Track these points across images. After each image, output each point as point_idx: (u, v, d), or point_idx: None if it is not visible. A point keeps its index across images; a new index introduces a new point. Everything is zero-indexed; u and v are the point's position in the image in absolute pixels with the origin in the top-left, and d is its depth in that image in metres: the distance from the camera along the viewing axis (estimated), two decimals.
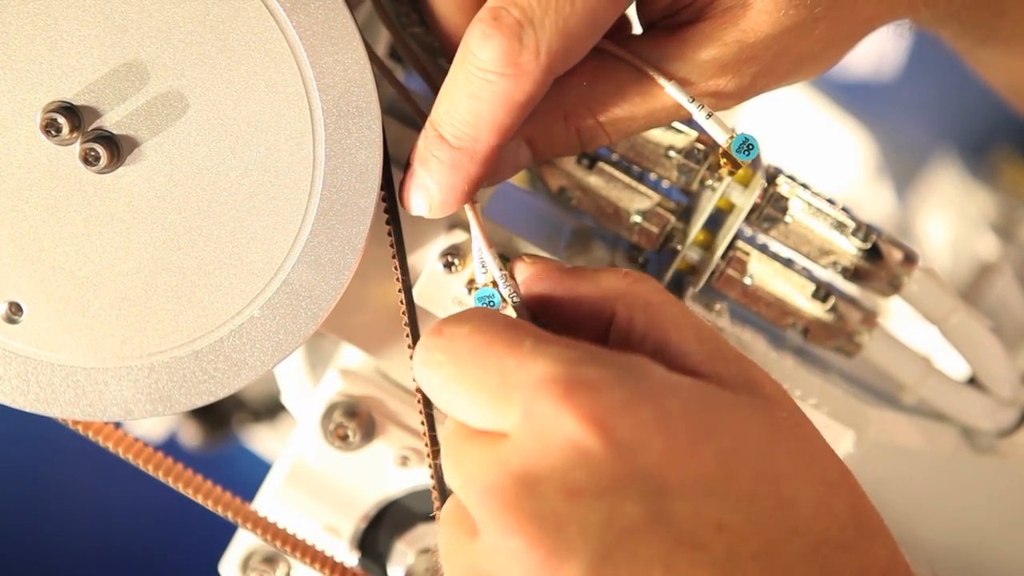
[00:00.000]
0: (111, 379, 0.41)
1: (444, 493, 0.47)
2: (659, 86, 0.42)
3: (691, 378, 0.35)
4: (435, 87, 0.44)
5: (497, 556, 0.33)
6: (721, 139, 0.41)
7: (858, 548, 0.34)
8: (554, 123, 0.42)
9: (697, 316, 0.38)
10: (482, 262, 0.41)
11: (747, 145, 0.41)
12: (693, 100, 0.41)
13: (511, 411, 0.34)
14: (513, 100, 0.38)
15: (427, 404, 0.46)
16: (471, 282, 0.45)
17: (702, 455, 0.33)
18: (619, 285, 0.38)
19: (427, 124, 0.40)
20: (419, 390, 0.45)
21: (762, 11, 0.40)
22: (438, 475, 0.46)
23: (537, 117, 0.41)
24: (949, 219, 1.09)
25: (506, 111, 0.38)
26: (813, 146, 1.23)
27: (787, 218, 0.47)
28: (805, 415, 0.37)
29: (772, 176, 0.47)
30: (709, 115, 0.41)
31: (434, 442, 0.46)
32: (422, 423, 0.46)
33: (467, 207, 0.41)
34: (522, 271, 0.41)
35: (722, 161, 0.42)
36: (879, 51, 1.44)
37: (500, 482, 0.33)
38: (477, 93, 0.38)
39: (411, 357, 0.45)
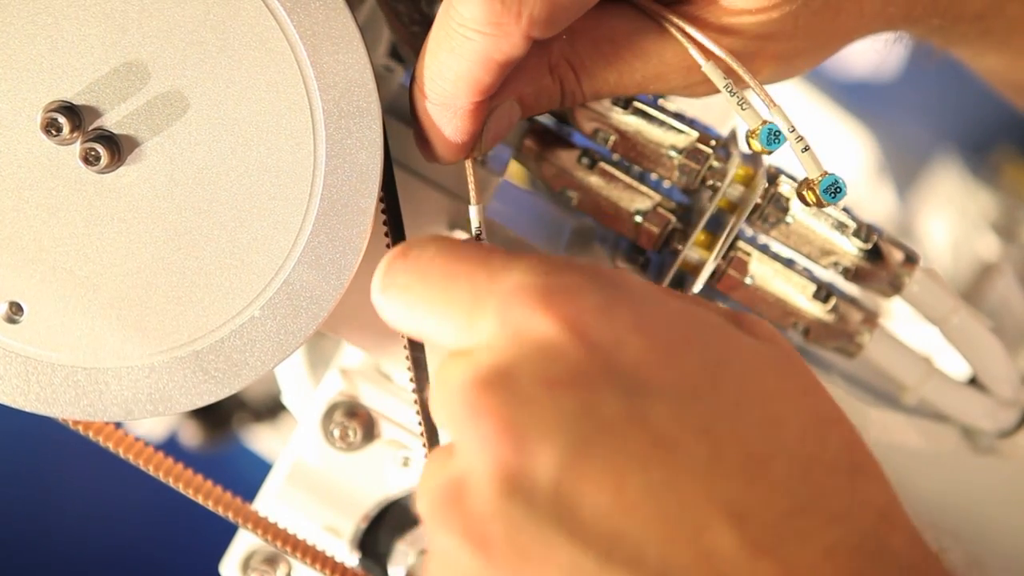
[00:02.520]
0: (111, 379, 0.41)
1: None
2: (640, 55, 0.41)
3: (677, 296, 0.34)
4: None
5: (468, 454, 0.31)
6: (753, 122, 0.41)
7: (853, 481, 0.32)
8: (541, 78, 0.42)
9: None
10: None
11: (773, 135, 0.42)
12: (728, 86, 0.41)
13: (484, 322, 0.32)
14: (492, 59, 0.38)
15: (423, 404, 0.46)
16: None
17: (685, 361, 0.31)
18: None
19: (412, 79, 0.40)
20: (420, 401, 0.45)
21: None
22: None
23: (526, 74, 0.41)
24: (950, 219, 1.09)
25: (485, 69, 0.38)
26: (813, 146, 1.23)
27: (788, 218, 0.47)
28: (801, 358, 0.35)
29: (773, 176, 0.47)
30: (741, 103, 0.41)
31: (431, 433, 0.46)
32: (419, 423, 0.46)
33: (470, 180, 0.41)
34: None
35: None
36: (879, 51, 1.44)
37: (471, 377, 0.31)
38: (457, 50, 0.38)
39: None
